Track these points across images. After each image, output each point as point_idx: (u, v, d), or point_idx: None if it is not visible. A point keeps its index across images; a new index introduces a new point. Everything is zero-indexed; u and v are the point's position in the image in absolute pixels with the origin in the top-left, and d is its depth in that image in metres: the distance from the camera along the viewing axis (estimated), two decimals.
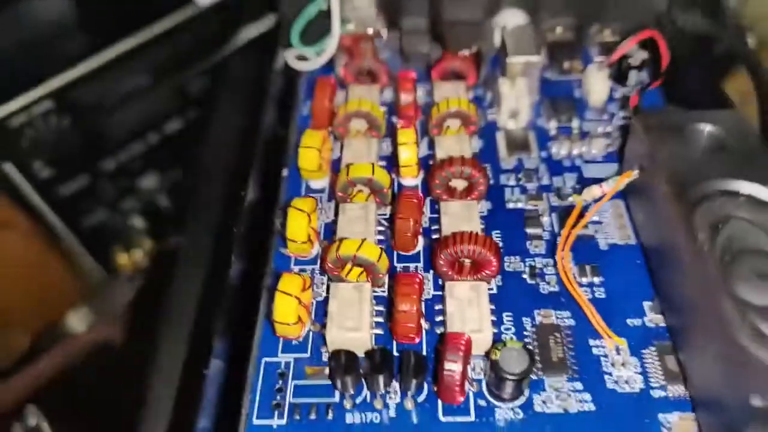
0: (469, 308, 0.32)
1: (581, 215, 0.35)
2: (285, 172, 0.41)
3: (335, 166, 0.41)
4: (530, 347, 0.32)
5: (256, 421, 0.31)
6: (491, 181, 0.40)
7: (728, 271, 0.28)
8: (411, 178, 0.40)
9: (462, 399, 0.30)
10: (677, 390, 0.30)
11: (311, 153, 0.38)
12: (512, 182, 0.40)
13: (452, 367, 0.29)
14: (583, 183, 0.39)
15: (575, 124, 0.43)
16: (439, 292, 0.34)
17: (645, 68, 0.45)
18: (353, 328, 0.32)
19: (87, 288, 0.82)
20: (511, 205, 0.39)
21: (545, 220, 0.38)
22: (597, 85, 0.44)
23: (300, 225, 0.35)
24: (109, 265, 0.81)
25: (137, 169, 0.78)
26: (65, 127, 0.70)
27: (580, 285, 0.35)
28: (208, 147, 0.41)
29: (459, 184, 0.38)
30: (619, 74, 0.45)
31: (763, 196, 0.30)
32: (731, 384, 0.25)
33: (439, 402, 0.31)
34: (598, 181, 0.37)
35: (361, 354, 0.32)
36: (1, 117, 0.65)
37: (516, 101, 0.42)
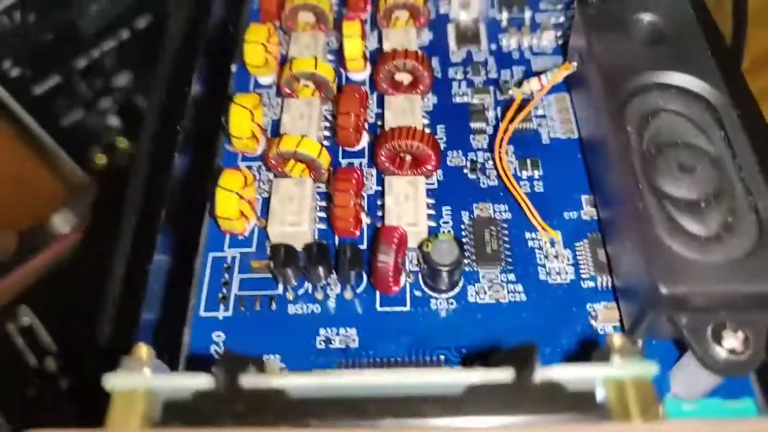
0: (406, 203, 0.33)
1: (521, 108, 0.35)
2: (234, 68, 0.41)
3: (284, 62, 0.40)
4: (465, 241, 0.33)
5: (203, 313, 0.32)
6: (439, 74, 0.40)
7: (651, 163, 0.29)
8: (358, 72, 0.40)
9: (397, 289, 0.32)
10: (605, 281, 0.32)
11: (256, 48, 0.38)
12: (459, 76, 0.40)
13: (385, 258, 0.30)
14: (531, 76, 0.39)
15: (527, 15, 0.42)
16: (381, 188, 0.35)
17: None
18: (294, 222, 0.33)
19: (68, 189, 0.83)
20: (457, 99, 0.39)
21: (490, 114, 0.38)
22: None
23: (242, 121, 0.35)
24: (88, 166, 0.82)
25: (111, 67, 0.77)
26: (31, 23, 0.68)
27: (520, 179, 0.35)
28: (160, 47, 0.40)
29: (404, 78, 0.38)
30: None
31: (695, 88, 0.31)
32: (646, 272, 0.26)
33: (377, 293, 0.32)
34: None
35: (300, 249, 0.33)
36: None
37: None
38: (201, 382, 0.21)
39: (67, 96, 0.76)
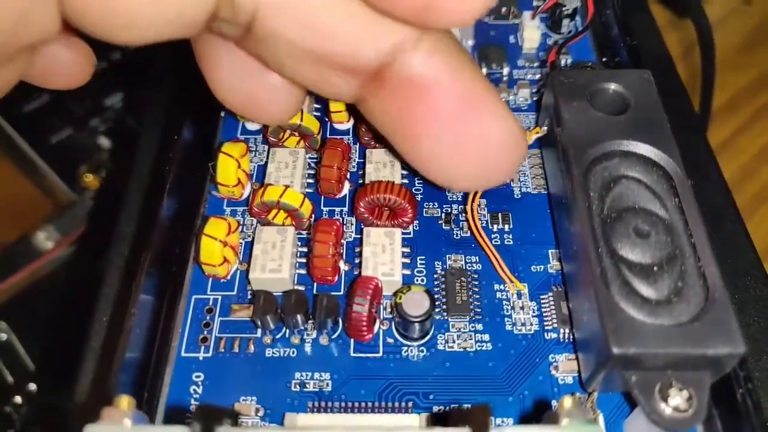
0: (382, 253, 0.35)
1: None
2: (222, 113, 0.43)
3: None
4: (437, 291, 0.35)
5: (184, 354, 0.34)
6: None
7: (611, 227, 0.31)
8: (342, 123, 0.42)
9: (370, 337, 0.33)
10: (567, 333, 0.34)
11: None
12: None
13: (359, 309, 0.32)
14: None
15: (506, 70, 0.45)
16: (360, 236, 0.37)
17: (578, 15, 0.46)
18: (275, 269, 0.34)
19: (54, 206, 0.84)
20: None
21: None
22: (529, 32, 0.45)
23: (229, 169, 0.37)
24: (76, 185, 0.83)
25: (102, 87, 0.78)
26: None
27: (491, 232, 0.37)
28: (148, 86, 0.42)
29: None
30: (552, 21, 0.46)
31: (654, 157, 0.33)
32: (601, 332, 0.28)
33: (351, 339, 0.34)
34: None
35: (280, 294, 0.34)
36: None
37: None
38: None
39: (56, 114, 0.77)
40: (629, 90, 0.35)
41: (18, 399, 0.73)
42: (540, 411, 0.31)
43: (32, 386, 0.74)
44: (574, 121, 0.34)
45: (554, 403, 0.31)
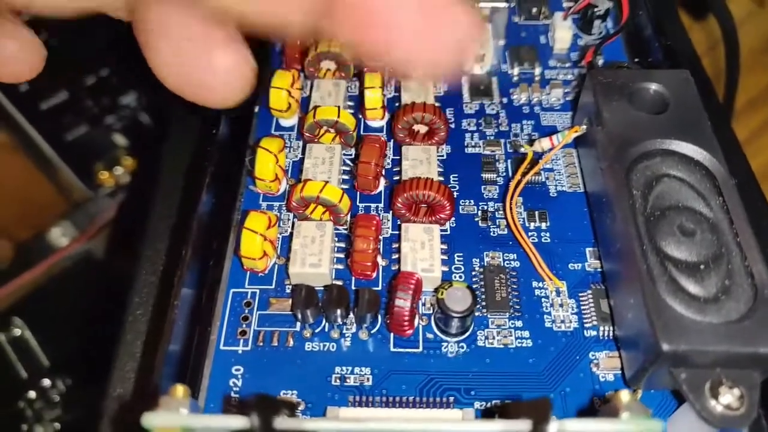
0: (421, 249, 0.35)
1: (532, 165, 0.37)
2: (256, 109, 0.43)
3: (305, 104, 0.42)
4: (475, 287, 0.35)
5: (222, 347, 0.34)
6: (452, 125, 0.42)
7: (654, 225, 0.31)
8: (376, 120, 0.42)
9: (411, 332, 0.33)
10: (607, 331, 0.34)
11: (280, 94, 0.40)
12: (473, 127, 0.42)
13: (401, 303, 0.32)
14: (540, 131, 0.41)
15: (537, 71, 0.45)
16: (397, 231, 0.37)
17: (609, 17, 0.46)
18: (314, 264, 0.34)
19: (69, 203, 0.84)
20: (469, 150, 0.41)
21: (501, 165, 0.40)
22: (561, 32, 0.45)
23: (267, 165, 0.37)
24: (91, 182, 0.83)
25: (118, 85, 0.78)
26: (43, 41, 0.70)
27: (528, 230, 0.37)
28: None
29: (421, 128, 0.40)
30: (584, 22, 0.46)
31: (696, 156, 0.33)
32: (649, 329, 0.28)
33: (391, 334, 0.34)
34: (553, 129, 0.39)
35: (320, 288, 0.34)
36: None
37: (481, 46, 0.44)
38: (237, 423, 0.23)
39: (73, 112, 0.77)
40: (669, 89, 0.35)
41: (32, 394, 0.73)
42: (583, 408, 0.31)
43: (46, 381, 0.74)
44: (615, 120, 0.34)
45: (596, 399, 0.31)
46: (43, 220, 0.84)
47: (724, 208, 0.31)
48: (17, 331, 0.76)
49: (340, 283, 0.35)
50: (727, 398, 0.27)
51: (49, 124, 0.77)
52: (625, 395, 0.23)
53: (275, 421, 0.22)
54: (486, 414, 0.29)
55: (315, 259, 0.34)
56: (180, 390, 0.24)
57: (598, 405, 0.31)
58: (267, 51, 0.46)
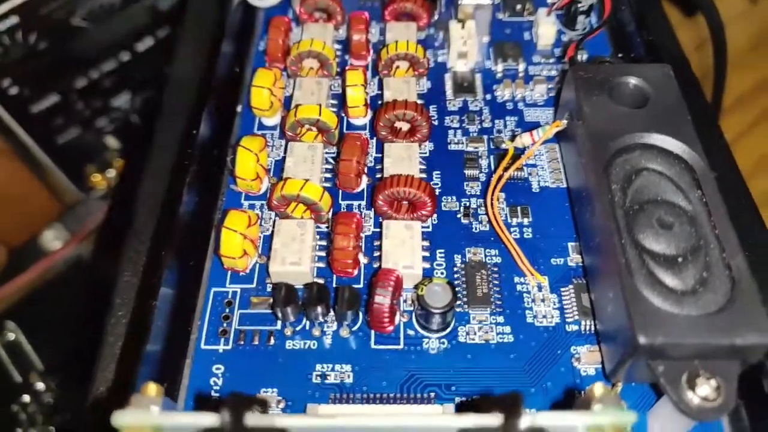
0: (402, 246, 0.35)
1: (514, 160, 0.37)
2: (239, 108, 0.43)
3: (287, 103, 0.42)
4: (457, 283, 0.35)
5: (203, 346, 0.34)
6: (435, 122, 0.42)
7: (633, 218, 0.31)
8: (359, 118, 0.42)
9: (391, 329, 0.33)
10: (588, 325, 0.34)
11: (262, 92, 0.40)
12: (456, 124, 0.42)
13: (381, 300, 0.32)
14: (523, 127, 0.41)
15: (521, 67, 0.45)
16: (379, 229, 0.37)
17: (593, 13, 0.46)
18: (295, 262, 0.34)
19: (62, 206, 0.84)
20: (452, 147, 0.41)
21: (483, 162, 0.40)
22: (545, 28, 0.45)
23: (248, 163, 0.37)
24: (83, 184, 0.83)
25: (109, 87, 0.78)
26: (32, 43, 0.70)
27: (510, 226, 0.37)
28: (166, 85, 0.42)
29: (403, 126, 0.40)
30: (567, 18, 0.46)
31: (675, 149, 0.33)
32: (626, 322, 0.28)
33: (372, 331, 0.34)
34: (537, 125, 0.39)
35: (300, 286, 0.34)
36: None
37: (465, 44, 0.44)
38: (207, 420, 0.23)
39: (64, 115, 0.77)
40: (649, 84, 0.35)
41: (26, 398, 0.73)
42: (563, 402, 0.31)
43: (40, 385, 0.74)
44: (595, 114, 0.34)
45: (577, 394, 0.31)
46: (35, 224, 0.84)
47: (703, 201, 0.31)
48: (11, 335, 0.76)
49: (320, 281, 0.35)
50: (705, 390, 0.27)
51: (40, 128, 0.77)
52: (598, 388, 0.23)
53: (246, 417, 0.22)
54: (463, 408, 0.29)
55: (296, 258, 0.34)
56: (152, 388, 0.24)
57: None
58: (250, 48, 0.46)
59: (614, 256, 0.30)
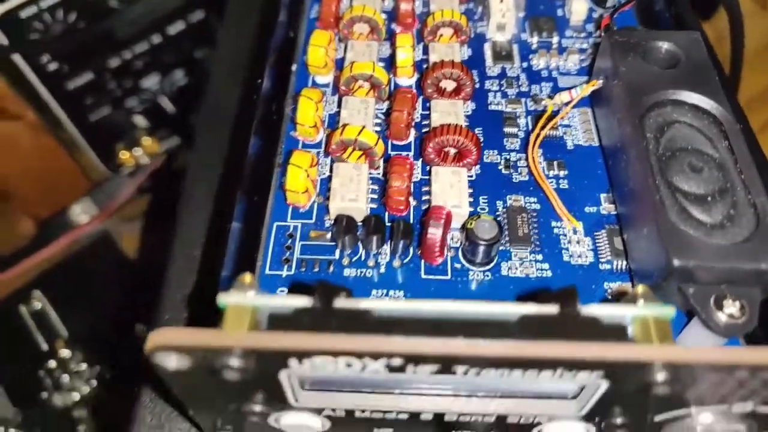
0: (450, 189, 0.38)
1: (551, 117, 0.40)
2: (294, 67, 0.46)
3: (339, 64, 0.46)
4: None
5: (267, 272, 0.37)
6: (477, 85, 0.45)
7: (666, 163, 0.34)
8: (406, 78, 0.45)
9: (441, 260, 0.36)
10: (620, 264, 0.37)
11: (319, 51, 0.43)
12: (495, 87, 0.45)
13: (434, 231, 0.35)
14: (557, 91, 0.45)
15: (555, 39, 0.48)
16: (427, 177, 0.40)
17: None
18: (353, 199, 0.37)
19: (90, 182, 0.87)
20: (492, 107, 0.44)
21: (521, 121, 0.43)
22: (577, 5, 0.48)
23: (309, 111, 0.40)
24: (112, 161, 0.86)
25: (141, 68, 0.81)
26: (72, 22, 0.73)
27: (548, 177, 0.40)
28: (222, 44, 0.45)
29: (448, 85, 0.43)
30: None
31: (704, 105, 0.36)
32: (661, 248, 0.31)
33: (422, 263, 0.37)
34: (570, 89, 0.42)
35: (358, 222, 0.38)
36: (11, 8, 0.68)
37: (503, 16, 0.47)
38: (301, 302, 0.26)
39: (97, 93, 0.80)
40: (680, 48, 0.38)
41: (52, 363, 0.76)
42: None
43: (65, 352, 0.77)
44: (630, 73, 0.38)
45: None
46: (63, 198, 0.87)
47: (730, 150, 0.35)
48: (37, 304, 0.79)
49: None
50: (730, 309, 0.30)
51: (74, 105, 0.80)
52: (641, 288, 0.26)
53: (335, 301, 0.25)
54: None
55: (353, 195, 0.38)
56: (248, 277, 0.27)
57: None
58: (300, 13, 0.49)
59: (649, 195, 0.33)
